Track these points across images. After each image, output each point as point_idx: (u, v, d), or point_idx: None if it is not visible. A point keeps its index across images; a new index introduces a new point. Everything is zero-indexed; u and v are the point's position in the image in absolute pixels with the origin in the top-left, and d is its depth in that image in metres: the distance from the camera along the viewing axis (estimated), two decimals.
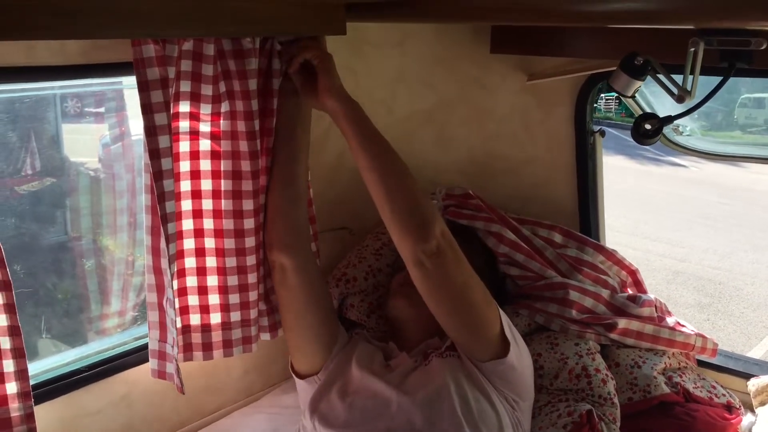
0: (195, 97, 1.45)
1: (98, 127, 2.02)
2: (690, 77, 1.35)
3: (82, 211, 2.05)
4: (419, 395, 1.47)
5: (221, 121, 1.50)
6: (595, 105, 2.03)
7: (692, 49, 1.32)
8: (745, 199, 10.25)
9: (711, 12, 1.10)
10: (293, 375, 1.71)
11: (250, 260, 1.56)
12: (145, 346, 1.66)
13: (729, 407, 1.83)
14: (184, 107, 1.46)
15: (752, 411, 1.83)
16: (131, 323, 1.99)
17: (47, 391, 1.51)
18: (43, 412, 1.46)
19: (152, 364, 1.54)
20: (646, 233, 8.74)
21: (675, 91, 1.39)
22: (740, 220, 9.34)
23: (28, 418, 1.25)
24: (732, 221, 9.32)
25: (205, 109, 1.48)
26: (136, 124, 1.88)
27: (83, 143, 2.10)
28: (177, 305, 1.55)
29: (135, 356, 1.68)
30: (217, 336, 1.60)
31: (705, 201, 10.20)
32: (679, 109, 1.44)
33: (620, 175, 8.23)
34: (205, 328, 1.59)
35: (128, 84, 1.79)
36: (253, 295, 1.60)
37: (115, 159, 2.02)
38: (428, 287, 1.47)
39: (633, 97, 1.53)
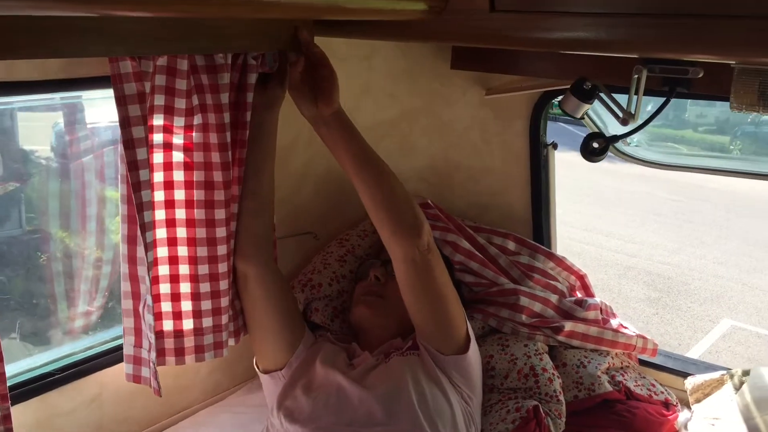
0: (169, 111, 1.50)
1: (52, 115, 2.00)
2: (635, 98, 1.46)
3: (37, 204, 2.06)
4: (379, 390, 1.55)
5: (194, 133, 1.54)
6: (553, 101, 2.12)
7: (636, 76, 1.42)
8: (694, 197, 10.49)
9: (652, 44, 1.18)
10: (257, 370, 1.79)
11: (222, 267, 1.62)
12: (116, 348, 1.72)
13: (667, 404, 1.94)
14: (158, 120, 1.51)
15: (689, 407, 1.95)
16: (83, 313, 2.02)
17: (21, 393, 1.56)
18: (17, 413, 1.49)
19: (127, 368, 1.59)
20: (599, 228, 8.91)
21: (620, 114, 1.49)
22: (689, 217, 9.58)
23: (5, 419, 1.30)
24: (681, 218, 9.56)
25: (179, 122, 1.52)
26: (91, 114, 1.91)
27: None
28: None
29: (106, 358, 1.72)
30: (189, 341, 1.65)
31: (656, 197, 10.41)
32: (624, 129, 1.54)
33: (574, 170, 8.42)
34: (178, 333, 1.64)
35: (87, 98, 1.83)
36: (224, 302, 1.65)
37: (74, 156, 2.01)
38: (414, 282, 1.59)
39: (582, 118, 1.63)
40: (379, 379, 1.60)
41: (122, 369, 1.62)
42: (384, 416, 1.50)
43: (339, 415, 1.54)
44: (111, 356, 1.72)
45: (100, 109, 1.94)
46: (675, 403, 1.96)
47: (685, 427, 1.87)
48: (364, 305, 1.82)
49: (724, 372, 1.91)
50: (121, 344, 1.63)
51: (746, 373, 1.86)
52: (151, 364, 1.55)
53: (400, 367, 1.61)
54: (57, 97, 1.83)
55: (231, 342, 1.76)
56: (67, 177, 2.01)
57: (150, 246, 1.48)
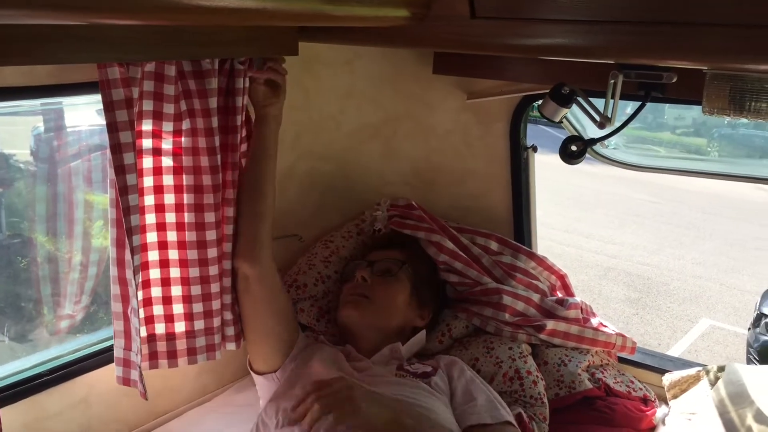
0: (157, 116, 1.53)
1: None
2: (611, 102, 1.50)
3: (17, 208, 2.07)
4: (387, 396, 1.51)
5: (183, 138, 1.57)
6: (533, 104, 2.14)
7: (612, 81, 1.46)
8: (673, 198, 10.66)
9: (627, 51, 1.23)
10: (251, 371, 1.81)
11: (213, 270, 1.64)
12: (103, 350, 1.74)
13: (645, 400, 1.98)
14: (147, 125, 1.53)
15: (666, 403, 1.99)
16: (63, 316, 2.03)
17: (9, 395, 1.56)
18: (5, 415, 1.52)
19: (117, 371, 1.61)
20: (579, 230, 9.04)
21: (597, 118, 1.54)
22: (668, 218, 9.74)
23: None
24: (660, 219, 9.72)
25: (167, 127, 1.55)
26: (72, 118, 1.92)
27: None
28: (142, 315, 1.62)
29: (94, 360, 1.73)
30: (181, 344, 1.67)
31: (636, 199, 10.58)
32: (602, 132, 1.59)
33: (554, 172, 8.53)
34: (170, 336, 1.67)
35: (68, 102, 1.84)
36: (216, 304, 1.68)
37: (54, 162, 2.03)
38: None
39: (561, 122, 1.67)
40: (391, 388, 1.56)
41: (110, 370, 1.63)
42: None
43: None
44: (99, 358, 1.73)
45: (81, 113, 1.95)
46: (653, 399, 2.00)
47: (663, 422, 1.91)
48: (350, 305, 1.83)
49: (700, 368, 1.95)
50: (109, 346, 1.65)
51: (721, 369, 1.90)
52: (139, 368, 1.57)
53: (416, 391, 1.57)
54: (38, 101, 1.81)
55: (231, 347, 1.79)
56: (46, 181, 2.02)
57: (137, 249, 1.50)
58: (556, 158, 1.62)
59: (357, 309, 1.83)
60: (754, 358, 4.97)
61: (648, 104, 1.54)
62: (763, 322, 5.05)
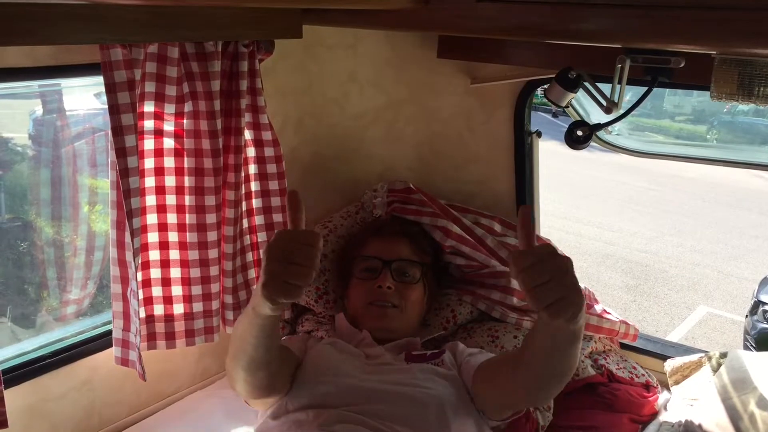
0: (159, 98, 1.53)
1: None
2: (618, 87, 1.49)
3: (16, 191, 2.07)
4: (402, 389, 1.48)
5: (185, 120, 1.57)
6: (534, 92, 2.12)
7: (619, 65, 1.45)
8: (672, 186, 10.64)
9: (636, 35, 1.22)
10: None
11: (212, 253, 1.64)
12: (106, 333, 1.73)
13: (647, 386, 1.99)
14: (149, 107, 1.53)
15: (668, 389, 2.00)
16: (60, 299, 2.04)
17: (14, 377, 1.57)
18: (9, 397, 1.51)
19: (116, 351, 1.61)
20: (578, 217, 9.00)
21: (604, 103, 1.53)
22: (666, 206, 9.71)
23: None
24: (659, 206, 9.69)
25: (169, 109, 1.55)
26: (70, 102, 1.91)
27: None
28: (141, 296, 1.62)
29: (97, 343, 1.73)
30: (180, 326, 1.68)
31: (634, 187, 10.54)
32: (606, 117, 1.58)
33: (554, 159, 8.50)
34: (169, 318, 1.67)
35: (66, 85, 1.83)
36: (215, 287, 1.67)
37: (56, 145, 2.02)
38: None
39: (567, 107, 1.66)
40: (398, 378, 1.53)
41: (113, 353, 1.63)
42: (406, 414, 1.43)
43: (350, 405, 1.44)
44: (102, 341, 1.73)
45: (78, 96, 1.94)
46: (655, 385, 2.00)
47: (665, 407, 1.92)
48: (383, 319, 1.75)
49: (702, 354, 1.96)
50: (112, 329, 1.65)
51: (724, 355, 1.91)
52: (137, 349, 1.57)
53: (425, 371, 1.55)
54: (35, 84, 1.79)
55: (230, 330, 1.78)
56: (45, 165, 2.02)
57: (137, 232, 1.50)
58: (555, 145, 1.61)
59: (391, 321, 1.74)
60: (752, 346, 4.98)
61: (652, 90, 1.53)
62: (760, 309, 5.06)
